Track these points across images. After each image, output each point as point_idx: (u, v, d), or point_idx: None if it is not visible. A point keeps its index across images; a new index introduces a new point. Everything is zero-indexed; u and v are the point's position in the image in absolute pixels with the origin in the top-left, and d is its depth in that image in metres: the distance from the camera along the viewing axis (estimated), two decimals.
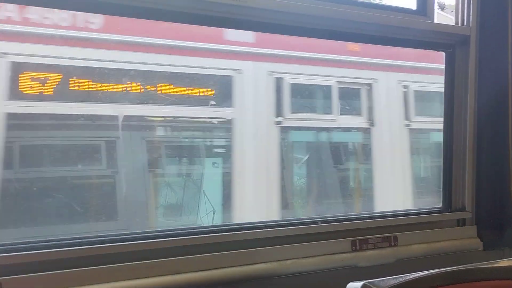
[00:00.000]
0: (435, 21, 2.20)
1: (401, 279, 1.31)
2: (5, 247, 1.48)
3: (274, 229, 1.86)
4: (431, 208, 2.33)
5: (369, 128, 4.13)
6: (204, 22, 1.83)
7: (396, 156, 4.23)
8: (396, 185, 4.23)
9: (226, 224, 1.85)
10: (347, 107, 4.15)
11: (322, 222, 1.97)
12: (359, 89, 4.13)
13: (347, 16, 1.94)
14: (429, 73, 4.38)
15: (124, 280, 1.55)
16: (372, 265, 1.95)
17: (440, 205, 2.30)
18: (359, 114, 4.13)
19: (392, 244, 2.03)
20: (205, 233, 1.76)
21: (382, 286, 1.28)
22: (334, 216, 2.14)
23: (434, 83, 4.37)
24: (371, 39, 2.16)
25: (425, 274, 1.34)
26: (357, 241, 1.96)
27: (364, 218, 2.07)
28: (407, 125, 4.31)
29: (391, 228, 2.07)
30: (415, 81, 4.39)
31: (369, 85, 4.12)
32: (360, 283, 1.30)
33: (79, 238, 1.60)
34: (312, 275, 1.86)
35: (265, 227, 1.87)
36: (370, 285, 1.29)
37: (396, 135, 4.26)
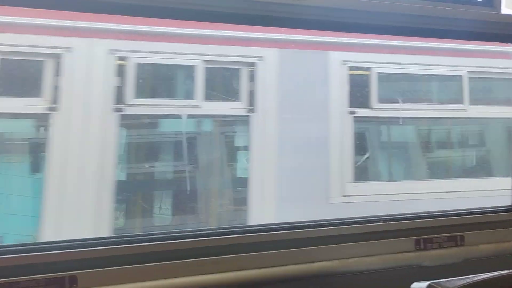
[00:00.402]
0: (503, 11, 2.12)
1: (468, 280, 1.28)
2: (79, 242, 1.58)
3: (335, 227, 1.86)
4: (500, 207, 2.24)
5: (48, 113, 3.26)
6: (261, 22, 1.85)
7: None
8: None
9: (285, 222, 1.87)
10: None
11: (384, 220, 1.95)
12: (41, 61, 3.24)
13: (409, 10, 1.90)
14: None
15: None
16: (437, 265, 1.91)
17: (510, 203, 2.21)
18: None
19: (458, 243, 1.97)
20: (266, 230, 1.79)
21: (448, 287, 1.26)
22: (397, 215, 2.10)
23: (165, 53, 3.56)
24: (435, 34, 2.09)
25: (493, 275, 1.30)
26: (421, 240, 1.92)
27: (428, 217, 2.02)
28: (119, 110, 3.41)
29: (457, 227, 2.01)
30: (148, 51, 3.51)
31: (58, 55, 3.29)
32: (425, 283, 1.28)
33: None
34: (375, 273, 1.84)
35: (326, 225, 1.87)
36: (435, 285, 1.27)
37: (93, 125, 3.34)
